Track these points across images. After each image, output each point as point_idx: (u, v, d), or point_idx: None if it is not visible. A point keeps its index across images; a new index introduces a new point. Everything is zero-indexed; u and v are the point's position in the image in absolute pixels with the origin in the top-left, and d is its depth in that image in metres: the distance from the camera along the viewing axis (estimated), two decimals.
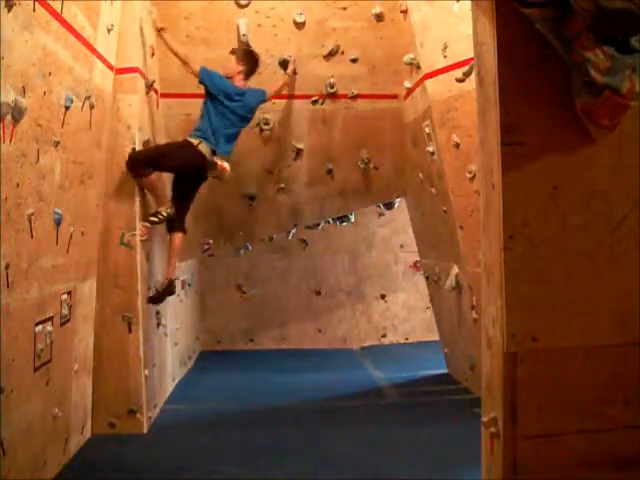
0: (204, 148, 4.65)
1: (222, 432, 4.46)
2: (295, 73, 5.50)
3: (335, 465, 3.81)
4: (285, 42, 5.46)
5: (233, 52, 5.01)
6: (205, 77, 4.76)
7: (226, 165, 4.79)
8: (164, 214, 4.62)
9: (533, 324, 2.02)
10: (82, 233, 3.86)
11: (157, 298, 4.80)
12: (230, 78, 4.88)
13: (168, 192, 4.90)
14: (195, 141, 4.65)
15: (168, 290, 4.84)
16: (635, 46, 1.80)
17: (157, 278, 5.01)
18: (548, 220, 2.03)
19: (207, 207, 5.70)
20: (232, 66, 4.91)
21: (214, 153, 4.72)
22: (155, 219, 4.62)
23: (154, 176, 4.58)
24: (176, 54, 4.85)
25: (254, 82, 5.27)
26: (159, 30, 4.87)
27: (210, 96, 4.77)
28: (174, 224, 4.80)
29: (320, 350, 7.58)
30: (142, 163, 4.46)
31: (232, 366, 6.75)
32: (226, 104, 4.76)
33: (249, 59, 4.96)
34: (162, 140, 5.30)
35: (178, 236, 4.84)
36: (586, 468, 2.03)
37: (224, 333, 7.69)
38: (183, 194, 4.86)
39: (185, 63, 4.86)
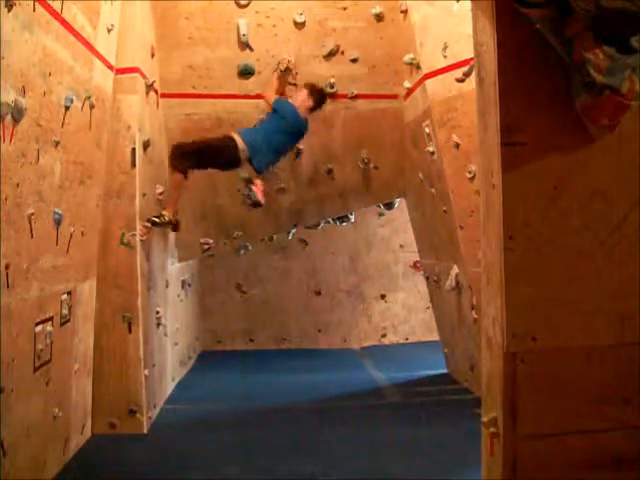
0: (244, 152, 4.85)
1: (222, 432, 4.46)
2: (295, 73, 5.51)
3: (335, 465, 3.81)
4: (285, 42, 5.45)
5: (307, 86, 5.18)
6: (279, 107, 5.04)
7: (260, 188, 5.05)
8: (166, 218, 4.69)
9: (533, 324, 2.02)
10: (82, 233, 3.86)
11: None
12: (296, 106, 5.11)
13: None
14: (240, 143, 4.83)
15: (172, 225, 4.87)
16: (635, 46, 1.80)
17: (157, 279, 5.02)
18: (548, 220, 2.03)
19: (207, 207, 5.70)
20: (303, 98, 5.11)
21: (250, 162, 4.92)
22: (157, 220, 4.65)
23: (182, 178, 4.73)
24: None
25: (254, 82, 5.29)
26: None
27: (272, 113, 5.05)
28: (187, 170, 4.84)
29: (320, 350, 7.57)
30: (188, 157, 4.67)
31: (232, 366, 6.75)
32: (287, 125, 5.01)
33: (320, 98, 5.20)
34: (162, 140, 5.30)
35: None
36: (586, 468, 2.03)
37: (224, 333, 7.68)
38: (206, 164, 4.97)
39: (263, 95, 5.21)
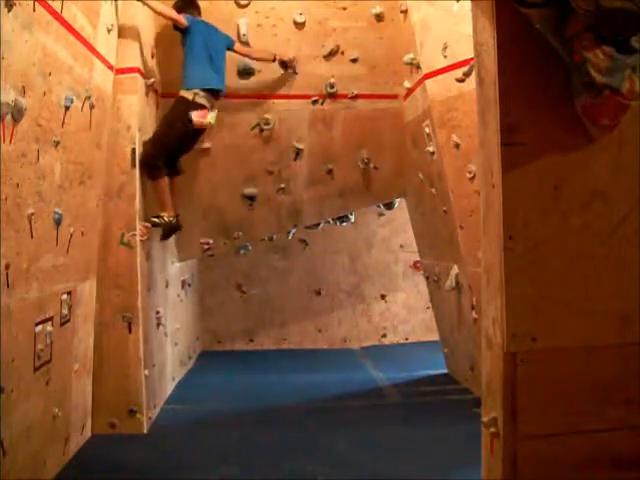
0: (201, 99, 4.75)
1: (222, 432, 4.46)
2: (295, 73, 5.52)
3: (335, 465, 3.80)
4: (285, 42, 5.45)
5: (174, 6, 4.92)
6: (192, 23, 4.82)
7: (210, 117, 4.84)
8: (166, 219, 4.67)
9: (533, 324, 2.02)
10: (82, 233, 3.86)
11: (167, 235, 4.84)
12: None
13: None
14: (189, 95, 4.73)
15: (176, 225, 4.85)
16: (635, 46, 1.80)
17: (157, 279, 5.02)
18: (548, 220, 2.03)
19: (207, 207, 5.70)
20: (179, 18, 4.81)
21: (213, 92, 4.83)
22: (157, 221, 4.65)
23: (166, 180, 4.70)
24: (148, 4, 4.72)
25: (254, 81, 5.30)
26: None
27: (188, 38, 4.82)
28: (173, 169, 4.84)
29: (320, 350, 7.57)
30: (157, 158, 4.59)
31: (232, 366, 6.75)
32: (205, 41, 4.82)
33: (189, 3, 4.99)
34: None
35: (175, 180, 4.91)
36: (586, 468, 2.03)
37: (224, 333, 7.68)
38: (183, 144, 4.92)
39: (160, 13, 4.78)
